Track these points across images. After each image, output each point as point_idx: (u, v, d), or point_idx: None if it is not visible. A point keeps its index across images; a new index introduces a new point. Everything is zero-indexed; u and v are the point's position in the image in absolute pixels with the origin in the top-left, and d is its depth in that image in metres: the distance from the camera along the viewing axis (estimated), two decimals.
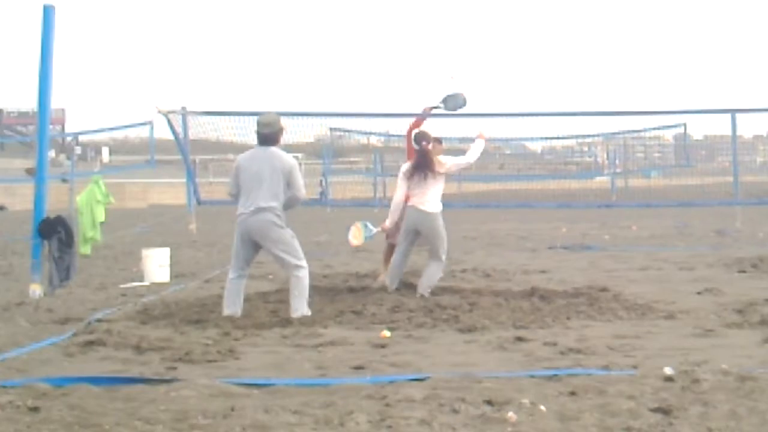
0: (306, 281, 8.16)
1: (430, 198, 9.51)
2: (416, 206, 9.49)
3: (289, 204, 8.28)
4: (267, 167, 8.14)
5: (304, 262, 8.20)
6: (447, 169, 9.68)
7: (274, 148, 8.26)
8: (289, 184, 8.19)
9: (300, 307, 8.06)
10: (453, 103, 10.64)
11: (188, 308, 8.60)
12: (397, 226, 11.11)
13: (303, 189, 8.33)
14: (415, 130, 9.88)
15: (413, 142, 9.71)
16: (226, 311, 8.15)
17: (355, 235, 10.32)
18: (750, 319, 7.74)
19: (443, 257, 9.54)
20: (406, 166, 9.73)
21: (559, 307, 8.53)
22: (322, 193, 34.50)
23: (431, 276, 9.45)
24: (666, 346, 6.67)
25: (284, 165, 8.19)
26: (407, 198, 9.62)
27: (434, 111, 10.67)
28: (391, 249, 11.24)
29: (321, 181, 34.93)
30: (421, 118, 10.58)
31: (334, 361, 6.23)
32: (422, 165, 9.52)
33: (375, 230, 10.19)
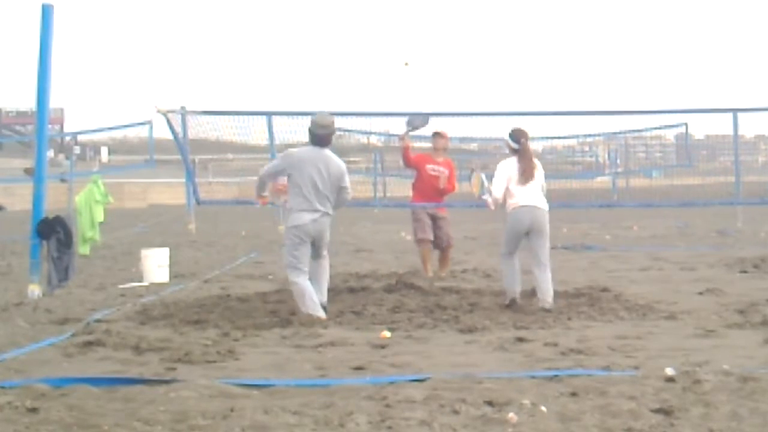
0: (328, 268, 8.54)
1: (541, 195, 8.98)
2: (535, 205, 8.81)
3: (339, 205, 8.48)
4: (325, 170, 8.22)
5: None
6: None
7: (328, 151, 8.35)
8: (339, 188, 8.34)
9: (325, 291, 8.36)
10: (416, 122, 10.59)
11: (187, 309, 8.59)
12: (419, 221, 11.16)
13: (351, 194, 8.56)
14: (511, 129, 9.19)
15: (511, 141, 9.02)
16: (314, 314, 7.99)
17: (475, 185, 9.61)
18: (751, 320, 7.73)
19: (549, 259, 8.96)
20: (511, 163, 8.96)
21: (560, 307, 8.51)
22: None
23: (548, 284, 8.77)
24: (667, 346, 6.65)
25: (339, 170, 8.32)
26: (506, 198, 8.93)
27: (410, 133, 10.69)
28: (427, 249, 11.29)
29: None
30: (405, 145, 10.55)
31: (334, 361, 6.22)
32: (530, 162, 8.95)
33: (486, 193, 9.28)
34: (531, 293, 9.41)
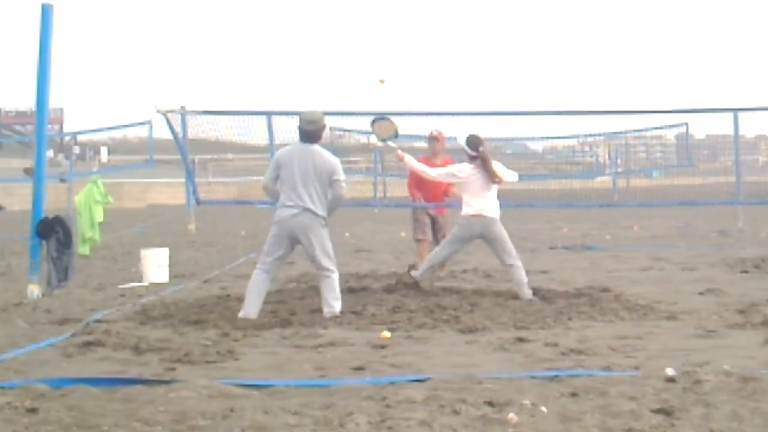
0: (337, 284, 8.17)
1: (493, 204, 9.30)
2: (483, 214, 9.22)
3: (334, 204, 8.29)
4: (311, 166, 8.11)
5: (335, 266, 8.20)
6: (502, 181, 9.42)
7: (317, 146, 8.24)
8: (331, 182, 8.17)
9: (335, 304, 8.07)
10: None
11: (187, 309, 8.58)
12: (418, 220, 11.19)
13: (345, 188, 8.34)
14: (468, 136, 9.51)
15: (469, 149, 9.35)
16: (241, 312, 8.03)
17: (383, 130, 9.85)
18: (752, 320, 7.72)
19: (517, 257, 9.32)
20: (465, 167, 9.39)
21: (561, 307, 8.51)
22: None
23: (521, 279, 9.21)
24: (668, 346, 6.64)
25: (328, 164, 8.17)
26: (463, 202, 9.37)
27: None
28: (425, 247, 11.29)
29: None
30: (406, 162, 10.38)
31: (333, 361, 6.21)
32: (485, 169, 9.24)
33: (393, 145, 9.95)
34: (531, 293, 9.42)
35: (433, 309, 8.35)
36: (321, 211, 8.12)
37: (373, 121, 9.82)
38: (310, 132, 8.24)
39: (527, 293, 9.11)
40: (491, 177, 9.24)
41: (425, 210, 11.49)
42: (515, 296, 9.23)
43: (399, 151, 9.79)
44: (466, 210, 9.31)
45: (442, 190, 11.63)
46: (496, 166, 9.42)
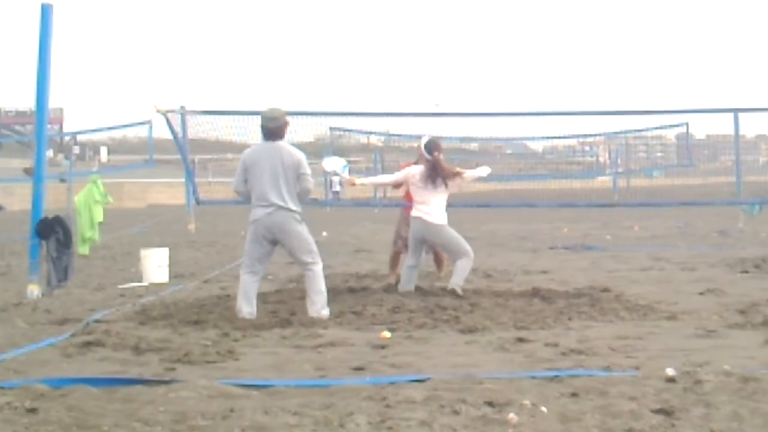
0: (321, 275, 8.16)
1: (436, 209, 9.41)
2: (422, 218, 9.39)
3: (301, 197, 8.24)
4: (278, 163, 8.08)
5: (318, 258, 8.20)
6: (458, 186, 9.62)
7: (281, 142, 8.21)
8: (298, 176, 8.13)
9: (320, 300, 8.04)
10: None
11: (187, 309, 8.57)
12: (398, 234, 11.14)
13: (311, 181, 8.27)
14: (426, 138, 9.67)
15: (425, 151, 9.50)
16: (240, 313, 8.05)
17: (330, 165, 10.01)
18: (752, 320, 7.71)
19: (468, 252, 9.42)
20: (416, 169, 9.57)
21: (561, 307, 8.50)
22: (336, 193, 34.29)
23: (461, 270, 9.36)
24: (668, 346, 6.63)
25: (293, 159, 8.14)
26: (409, 207, 9.69)
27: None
28: (396, 255, 11.26)
29: (331, 181, 34.73)
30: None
31: (333, 362, 6.20)
32: (433, 175, 9.38)
33: (343, 174, 10.01)
34: (531, 293, 9.42)
35: (433, 309, 8.35)
36: (294, 207, 8.10)
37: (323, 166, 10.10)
38: (273, 129, 8.21)
39: (454, 284, 9.22)
40: (437, 182, 9.38)
41: (409, 221, 11.35)
42: (515, 296, 9.23)
43: (347, 178, 10.14)
44: (412, 210, 9.58)
45: None
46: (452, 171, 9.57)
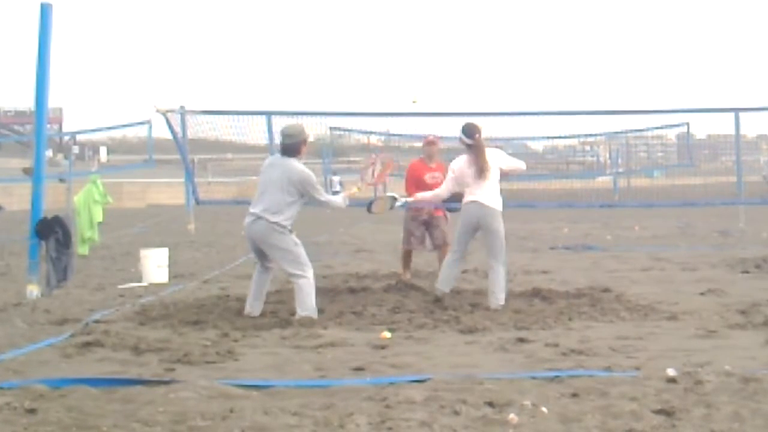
0: (306, 289, 8.06)
1: (493, 193, 8.94)
2: (479, 200, 8.87)
3: (319, 204, 8.47)
4: (282, 177, 8.15)
5: (305, 271, 8.08)
6: (506, 170, 9.19)
7: (292, 160, 8.25)
8: (303, 194, 8.18)
9: (300, 311, 8.02)
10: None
11: (187, 309, 8.57)
12: (409, 233, 11.11)
13: (323, 195, 8.37)
14: (465, 124, 9.17)
15: (465, 137, 9.02)
16: (246, 309, 8.25)
17: (380, 208, 9.44)
18: (753, 320, 7.70)
19: (504, 259, 8.90)
20: (461, 161, 9.05)
21: (561, 308, 8.49)
22: (335, 193, 34.28)
23: (500, 282, 8.74)
24: (669, 347, 6.63)
25: (300, 177, 8.14)
26: (462, 194, 9.03)
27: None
28: (408, 254, 11.29)
29: (332, 181, 34.68)
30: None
31: (333, 362, 6.19)
32: (481, 158, 8.93)
33: (405, 200, 9.58)
34: (531, 293, 9.41)
35: (434, 309, 8.34)
36: (276, 218, 8.06)
37: (369, 209, 9.47)
38: (288, 145, 8.30)
39: (496, 300, 8.63)
40: (483, 167, 8.92)
41: (418, 219, 11.39)
42: (515, 296, 9.21)
43: (406, 200, 9.65)
44: (465, 198, 9.02)
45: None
46: (497, 154, 9.18)
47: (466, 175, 8.96)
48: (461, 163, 9.06)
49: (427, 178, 11.49)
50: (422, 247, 11.44)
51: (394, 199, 9.37)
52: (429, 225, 11.31)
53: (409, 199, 9.75)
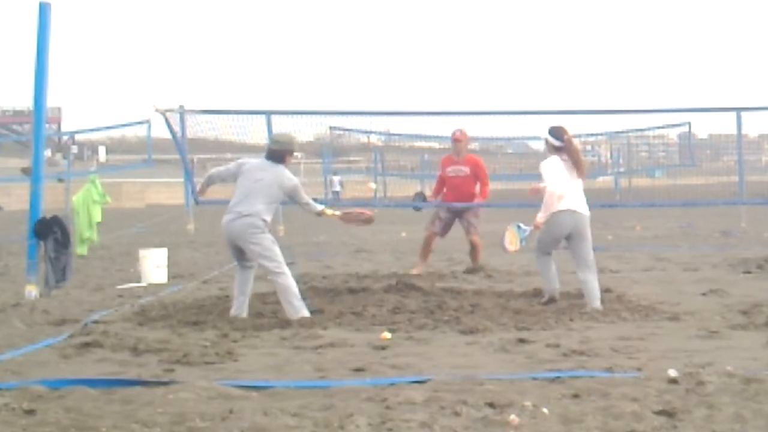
0: (289, 289, 8.08)
1: (583, 199, 8.70)
2: (578, 210, 8.56)
3: (309, 210, 8.54)
4: (273, 183, 8.20)
5: (282, 267, 8.14)
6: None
7: (281, 167, 8.32)
8: (290, 199, 8.37)
9: (291, 313, 8.01)
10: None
11: (186, 309, 8.55)
12: (436, 215, 11.29)
13: (311, 203, 8.51)
14: (551, 127, 8.77)
15: (553, 139, 8.62)
16: (232, 312, 8.20)
17: (511, 241, 9.26)
18: (755, 321, 7.68)
19: (595, 266, 8.75)
20: (558, 163, 8.57)
21: (562, 308, 8.47)
22: (336, 193, 34.39)
23: (594, 288, 8.55)
24: (670, 347, 6.61)
25: (289, 185, 8.28)
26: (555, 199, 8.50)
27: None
28: (430, 239, 11.54)
29: (332, 180, 34.71)
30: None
31: (333, 363, 6.17)
32: (578, 160, 8.59)
33: (529, 229, 9.16)
34: (532, 294, 9.39)
35: (434, 310, 8.33)
36: (261, 218, 8.13)
37: (504, 248, 9.31)
38: (273, 151, 8.38)
39: (594, 307, 8.37)
40: (579, 168, 8.58)
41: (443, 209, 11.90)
42: (516, 297, 9.19)
43: (537, 222, 8.82)
44: (555, 206, 8.51)
45: (470, 192, 11.82)
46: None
47: (568, 177, 8.55)
48: (561, 165, 8.56)
49: (449, 171, 11.96)
50: (445, 233, 11.96)
51: (519, 227, 9.18)
52: (461, 214, 11.71)
53: (530, 228, 9.06)
